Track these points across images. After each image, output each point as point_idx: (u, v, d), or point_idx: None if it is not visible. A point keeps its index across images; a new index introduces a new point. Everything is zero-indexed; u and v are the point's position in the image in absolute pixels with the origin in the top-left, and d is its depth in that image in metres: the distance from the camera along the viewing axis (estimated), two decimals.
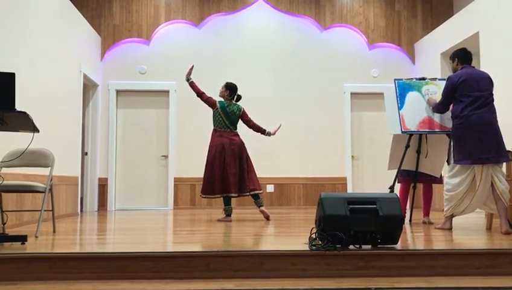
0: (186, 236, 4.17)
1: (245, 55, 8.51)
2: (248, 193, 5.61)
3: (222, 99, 5.86)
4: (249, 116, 5.90)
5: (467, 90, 4.28)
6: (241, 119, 5.86)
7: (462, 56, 4.53)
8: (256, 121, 5.97)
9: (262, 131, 5.90)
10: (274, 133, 5.95)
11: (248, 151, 5.80)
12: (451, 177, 4.37)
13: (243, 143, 5.76)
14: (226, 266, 2.97)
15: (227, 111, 5.74)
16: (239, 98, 5.95)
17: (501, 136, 4.25)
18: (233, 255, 3.03)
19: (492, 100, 4.33)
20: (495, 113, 4.29)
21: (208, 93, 5.89)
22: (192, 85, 5.85)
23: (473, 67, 4.52)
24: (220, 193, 5.57)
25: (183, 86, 8.36)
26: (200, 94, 5.84)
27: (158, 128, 8.44)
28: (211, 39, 8.50)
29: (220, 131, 5.73)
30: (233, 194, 5.57)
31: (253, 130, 5.93)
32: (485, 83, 4.33)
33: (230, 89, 5.86)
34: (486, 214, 4.68)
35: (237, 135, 5.80)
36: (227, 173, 5.56)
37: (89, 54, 7.69)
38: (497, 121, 4.27)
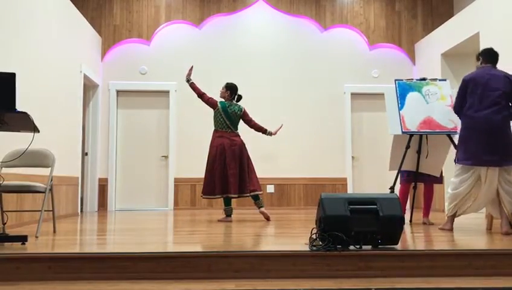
0: (187, 236, 4.17)
1: (245, 55, 8.51)
2: (248, 194, 5.61)
3: (223, 100, 5.86)
4: (250, 116, 5.90)
5: (474, 89, 4.20)
6: (242, 120, 5.87)
7: (485, 55, 4.39)
8: (257, 121, 5.97)
9: (263, 131, 5.90)
10: (275, 133, 5.95)
11: (248, 152, 5.80)
12: (456, 177, 4.33)
13: (243, 144, 5.76)
14: (227, 267, 2.97)
15: (228, 111, 5.74)
16: (239, 98, 5.95)
17: (509, 138, 4.11)
18: (233, 256, 3.02)
19: (504, 101, 4.13)
20: (505, 114, 4.12)
21: (209, 94, 5.89)
22: (192, 86, 5.85)
23: (493, 66, 4.36)
24: (220, 193, 5.57)
25: (183, 86, 8.36)
26: (201, 95, 5.84)
27: (158, 129, 8.44)
28: (211, 39, 8.51)
29: (220, 131, 5.73)
30: (233, 195, 5.57)
31: (255, 129, 5.93)
32: (498, 82, 4.17)
33: (231, 90, 5.86)
34: (486, 215, 4.67)
35: (238, 135, 5.80)
36: (227, 174, 5.55)
37: (90, 54, 7.69)
38: (506, 123, 4.11)
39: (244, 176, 5.61)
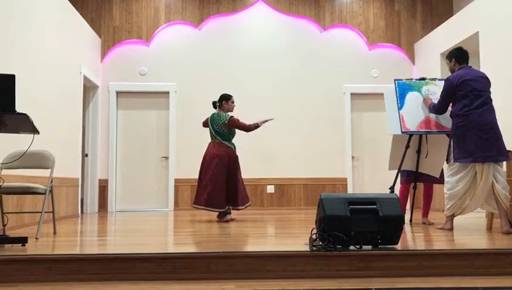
0: (187, 237, 4.17)
1: (245, 56, 8.51)
2: (215, 210, 5.59)
3: (215, 112, 5.89)
4: (238, 122, 5.75)
5: (466, 90, 4.30)
6: (234, 128, 5.79)
7: (459, 56, 4.54)
8: (248, 122, 5.88)
9: (256, 126, 5.79)
10: (263, 122, 5.82)
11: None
12: (452, 176, 4.38)
13: (227, 155, 5.67)
14: (227, 267, 2.97)
15: (212, 121, 5.82)
16: (216, 104, 5.89)
17: (501, 135, 4.26)
18: (233, 256, 3.02)
19: (491, 100, 4.35)
20: (494, 112, 4.32)
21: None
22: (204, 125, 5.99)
23: (470, 66, 4.53)
24: (203, 205, 5.58)
25: (183, 87, 8.38)
26: (204, 125, 5.98)
27: (158, 130, 8.45)
28: (210, 40, 8.51)
29: (210, 142, 5.85)
30: (198, 206, 5.60)
31: (250, 131, 5.86)
32: (484, 83, 4.36)
33: (214, 104, 5.95)
34: (486, 214, 4.68)
35: (224, 146, 5.72)
36: (201, 185, 5.63)
37: (89, 55, 7.70)
38: (496, 120, 4.29)
39: (214, 192, 5.54)
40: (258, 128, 5.85)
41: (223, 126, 5.73)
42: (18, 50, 5.03)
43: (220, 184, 5.56)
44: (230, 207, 5.69)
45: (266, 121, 5.86)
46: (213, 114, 5.88)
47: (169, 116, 8.36)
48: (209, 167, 5.63)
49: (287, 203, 8.34)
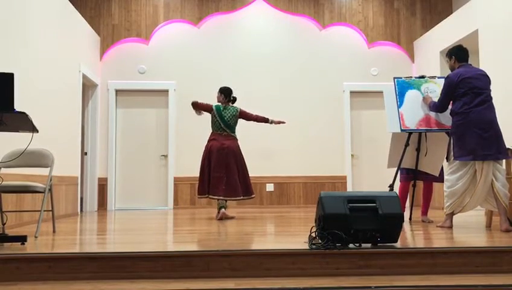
0: (186, 236, 4.17)
1: (244, 54, 8.51)
2: (233, 198, 5.68)
3: (219, 104, 5.93)
4: (248, 112, 5.96)
5: (466, 88, 4.30)
6: (244, 119, 5.94)
7: (459, 54, 4.54)
8: (257, 112, 6.02)
9: (265, 120, 5.99)
10: (277, 122, 6.01)
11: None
12: (451, 174, 4.38)
13: (235, 147, 5.81)
14: (226, 266, 2.97)
15: (222, 114, 5.85)
16: (234, 99, 6.02)
17: (501, 133, 4.26)
18: (233, 255, 3.02)
19: (491, 98, 4.34)
20: (494, 110, 4.31)
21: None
22: (197, 106, 5.94)
23: (470, 64, 4.52)
24: (207, 193, 5.72)
25: (182, 85, 8.37)
26: (199, 106, 5.94)
27: (158, 128, 8.44)
28: (210, 38, 8.50)
29: (215, 134, 5.87)
30: (216, 197, 5.65)
31: (258, 122, 6.03)
32: (484, 81, 4.35)
33: (225, 93, 5.97)
34: (486, 212, 4.68)
35: (233, 138, 5.86)
36: (212, 176, 5.68)
37: (88, 54, 7.69)
38: (496, 119, 4.28)
39: (231, 180, 5.66)
40: (267, 123, 6.01)
41: (234, 118, 5.87)
42: (17, 49, 5.02)
43: (234, 174, 5.69)
44: (242, 197, 5.76)
45: (279, 122, 6.03)
46: (219, 106, 5.91)
47: (169, 115, 8.35)
48: (220, 158, 5.69)
49: (286, 201, 8.34)
